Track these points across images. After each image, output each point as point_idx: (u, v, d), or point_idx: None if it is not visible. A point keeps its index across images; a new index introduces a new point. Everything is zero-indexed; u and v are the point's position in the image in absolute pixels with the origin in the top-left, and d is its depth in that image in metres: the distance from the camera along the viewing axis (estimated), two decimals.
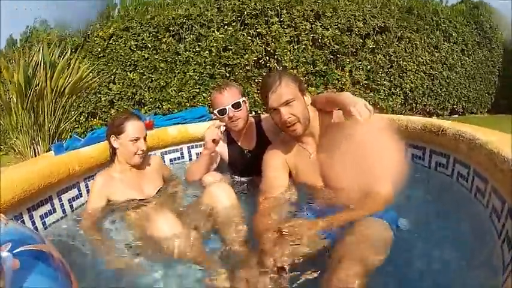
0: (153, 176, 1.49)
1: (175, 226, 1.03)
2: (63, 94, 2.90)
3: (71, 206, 1.42)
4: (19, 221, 1.14)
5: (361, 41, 4.54)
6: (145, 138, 1.42)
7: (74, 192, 1.46)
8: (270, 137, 1.49)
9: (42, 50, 2.81)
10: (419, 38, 5.00)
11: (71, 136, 2.89)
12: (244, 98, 1.49)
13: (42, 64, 2.79)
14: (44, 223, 1.26)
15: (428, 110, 5.20)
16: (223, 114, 1.44)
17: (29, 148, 2.77)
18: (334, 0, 4.51)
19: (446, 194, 1.26)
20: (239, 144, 1.57)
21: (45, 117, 2.77)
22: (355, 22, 4.50)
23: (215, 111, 1.47)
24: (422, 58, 5.01)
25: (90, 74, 3.37)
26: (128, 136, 1.37)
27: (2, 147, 3.79)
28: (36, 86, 2.68)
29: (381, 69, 4.68)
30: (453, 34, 5.46)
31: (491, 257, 0.83)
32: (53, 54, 2.92)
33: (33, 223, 1.22)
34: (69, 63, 3.10)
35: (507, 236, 0.80)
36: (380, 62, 4.65)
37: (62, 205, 1.39)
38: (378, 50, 4.66)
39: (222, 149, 1.59)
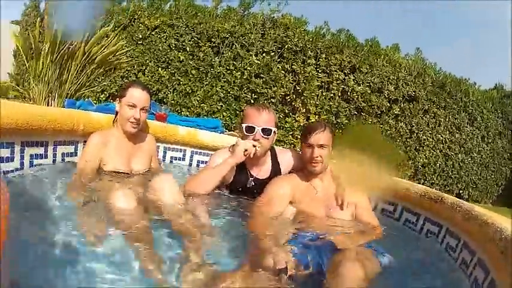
0: (144, 155, 1.55)
1: (130, 202, 1.04)
2: (93, 62, 2.99)
3: (63, 160, 1.48)
4: (9, 149, 1.22)
5: (388, 104, 4.59)
6: (144, 110, 1.45)
7: (70, 148, 1.52)
8: (283, 170, 1.52)
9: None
10: (444, 115, 5.03)
11: (85, 99, 3.00)
12: (275, 129, 1.46)
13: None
14: (31, 162, 1.33)
15: (435, 188, 5.20)
16: (250, 133, 1.38)
17: (43, 99, 2.79)
18: (372, 58, 4.58)
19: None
20: (247, 169, 1.51)
21: (69, 76, 2.83)
22: (387, 85, 4.56)
23: (244, 126, 1.40)
24: (442, 136, 5.03)
25: (123, 54, 3.50)
26: (127, 100, 1.43)
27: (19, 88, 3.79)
28: (71, 45, 2.76)
29: (400, 138, 4.71)
30: (478, 119, 5.48)
31: None
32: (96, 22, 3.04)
33: (22, 157, 1.29)
34: (108, 35, 3.24)
35: None
36: (401, 130, 4.69)
37: (54, 155, 1.45)
38: (402, 118, 4.70)
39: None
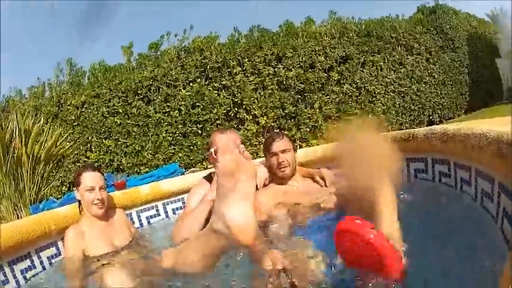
0: (121, 228, 1.57)
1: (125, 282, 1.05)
2: (39, 161, 3.04)
3: (50, 264, 1.50)
4: (1, 272, 1.30)
5: (325, 75, 4.64)
6: (102, 188, 1.50)
7: (52, 250, 1.54)
8: (259, 184, 1.56)
9: (17, 117, 3.00)
10: (382, 58, 5.12)
11: (47, 199, 3.00)
12: (243, 146, 1.49)
13: (17, 131, 2.95)
14: (24, 277, 1.38)
15: (405, 127, 5.28)
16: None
17: (12, 214, 2.85)
18: (292, 40, 4.63)
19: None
20: None
21: (25, 183, 2.90)
22: (317, 57, 4.61)
23: (212, 150, 1.44)
24: (388, 78, 5.12)
25: (64, 141, 3.53)
26: (84, 186, 1.47)
27: None
28: (13, 153, 2.82)
29: (350, 99, 4.76)
30: (415, 46, 5.60)
31: (494, 243, 0.80)
32: (26, 123, 3.09)
33: (14, 276, 1.35)
34: (43, 129, 3.27)
35: (505, 214, 0.77)
36: (347, 91, 4.74)
37: (41, 262, 1.48)
38: (344, 80, 4.76)
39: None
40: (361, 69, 4.91)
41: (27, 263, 1.41)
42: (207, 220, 1.29)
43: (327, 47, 4.72)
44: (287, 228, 1.31)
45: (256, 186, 1.47)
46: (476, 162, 0.99)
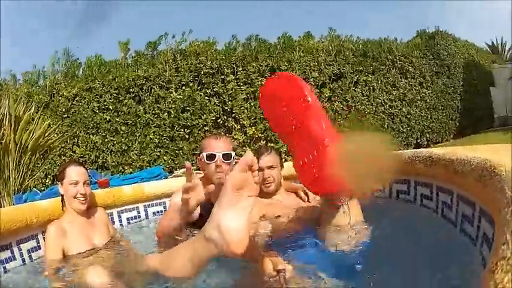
0: (101, 227, 1.60)
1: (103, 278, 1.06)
2: (26, 150, 3.02)
3: (30, 257, 1.51)
4: None
5: (317, 90, 4.69)
6: (86, 184, 1.52)
7: (32, 243, 1.54)
8: None
9: (8, 103, 2.96)
10: (375, 79, 5.19)
11: (30, 190, 2.98)
12: (234, 153, 1.48)
13: (7, 117, 2.92)
14: (4, 268, 1.39)
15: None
16: (211, 160, 1.40)
17: None
18: (288, 53, 4.67)
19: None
20: (212, 201, 1.49)
21: (10, 172, 2.89)
22: (310, 72, 4.66)
23: (204, 154, 1.41)
24: (380, 99, 5.19)
25: (53, 132, 3.51)
26: (68, 180, 1.49)
27: None
28: (1, 139, 2.81)
29: (340, 117, 4.82)
30: (410, 69, 5.68)
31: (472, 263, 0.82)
32: (17, 109, 3.05)
33: None
34: (33, 118, 3.24)
35: (485, 237, 0.80)
36: (337, 109, 4.80)
37: (21, 254, 1.48)
38: (335, 98, 4.81)
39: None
40: (354, 88, 4.97)
41: (8, 253, 1.42)
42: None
43: (322, 64, 4.77)
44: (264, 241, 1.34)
45: None
46: (458, 186, 1.01)
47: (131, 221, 2.00)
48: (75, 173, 1.50)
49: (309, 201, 1.54)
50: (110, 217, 1.82)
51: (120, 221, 1.97)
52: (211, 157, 1.41)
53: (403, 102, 5.48)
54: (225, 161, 1.42)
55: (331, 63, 4.85)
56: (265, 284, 0.85)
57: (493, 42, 12.09)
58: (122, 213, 1.98)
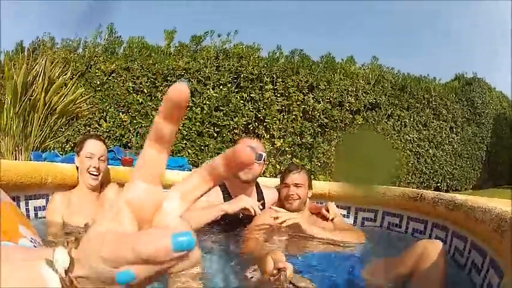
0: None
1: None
2: (54, 112, 3.01)
3: (36, 214, 1.50)
4: None
5: (351, 116, 4.66)
6: (102, 159, 1.47)
7: (41, 202, 1.53)
8: (267, 205, 1.60)
9: (45, 62, 2.94)
10: (408, 115, 5.14)
11: (51, 151, 2.98)
12: (265, 155, 1.53)
13: (41, 75, 2.90)
14: None
15: (412, 187, 5.27)
16: None
17: (11, 153, 2.82)
18: (329, 74, 4.66)
19: None
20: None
21: (33, 128, 2.86)
22: (347, 97, 4.64)
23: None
24: (409, 136, 5.13)
25: (83, 102, 3.51)
26: (85, 152, 1.45)
27: None
28: (31, 96, 2.78)
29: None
30: (443, 112, 5.61)
31: None
32: (53, 71, 3.07)
33: None
34: (66, 83, 3.25)
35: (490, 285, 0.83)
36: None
37: (27, 210, 1.46)
38: (366, 127, 4.77)
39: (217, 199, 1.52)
40: (386, 120, 4.92)
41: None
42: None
43: (360, 90, 4.74)
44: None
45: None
46: (474, 234, 1.05)
47: None
48: (92, 145, 1.47)
49: (332, 219, 1.52)
50: None
51: None
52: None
53: (431, 143, 5.41)
54: (257, 161, 1.47)
55: (368, 91, 4.81)
56: (266, 283, 0.87)
57: None
58: None
